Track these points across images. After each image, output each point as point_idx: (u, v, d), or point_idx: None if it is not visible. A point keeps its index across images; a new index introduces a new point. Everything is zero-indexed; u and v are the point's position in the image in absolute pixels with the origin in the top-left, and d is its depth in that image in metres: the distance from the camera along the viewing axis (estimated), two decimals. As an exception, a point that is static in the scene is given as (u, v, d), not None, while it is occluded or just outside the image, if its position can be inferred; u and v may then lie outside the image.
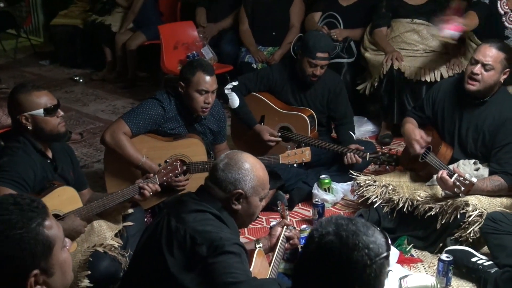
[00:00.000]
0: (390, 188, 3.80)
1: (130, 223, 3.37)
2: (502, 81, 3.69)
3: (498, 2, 4.81)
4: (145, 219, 3.65)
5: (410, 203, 3.67)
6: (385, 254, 1.71)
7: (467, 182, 3.38)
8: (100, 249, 3.07)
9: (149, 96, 3.99)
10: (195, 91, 3.77)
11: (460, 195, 3.43)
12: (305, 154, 4.04)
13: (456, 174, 3.41)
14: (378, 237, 1.73)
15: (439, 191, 3.63)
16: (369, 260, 1.67)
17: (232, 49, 6.14)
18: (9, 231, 1.57)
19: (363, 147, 4.33)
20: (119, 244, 3.21)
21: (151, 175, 3.41)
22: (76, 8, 7.95)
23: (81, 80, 7.33)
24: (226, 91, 4.46)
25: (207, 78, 3.77)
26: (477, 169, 3.64)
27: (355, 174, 4.07)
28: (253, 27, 6.01)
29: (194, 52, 5.98)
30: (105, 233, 3.18)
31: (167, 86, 4.25)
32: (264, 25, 5.95)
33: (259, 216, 3.98)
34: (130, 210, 3.42)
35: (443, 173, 3.46)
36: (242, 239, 2.86)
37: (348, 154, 4.24)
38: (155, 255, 2.35)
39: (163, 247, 2.33)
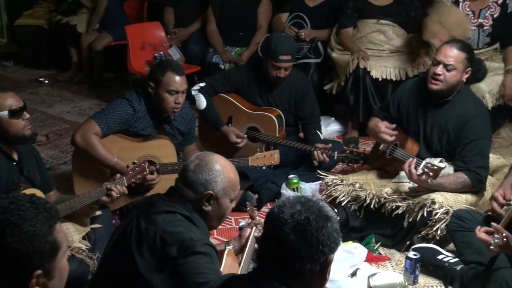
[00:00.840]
0: (357, 186, 3.84)
1: (97, 225, 3.34)
2: (464, 80, 3.74)
3: (460, 4, 4.90)
4: (113, 221, 3.63)
5: (377, 199, 3.72)
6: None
7: (435, 167, 3.44)
8: (67, 252, 3.03)
9: (116, 97, 3.96)
10: (166, 92, 3.75)
11: (429, 181, 3.47)
12: (274, 157, 4.06)
13: (424, 162, 3.47)
14: (326, 204, 1.93)
15: (406, 188, 3.69)
16: (335, 224, 1.87)
17: (199, 49, 6.13)
18: (23, 227, 1.60)
19: (330, 145, 4.37)
20: (87, 247, 3.19)
21: (118, 176, 3.38)
22: (41, 9, 7.86)
23: (46, 81, 7.24)
24: (193, 93, 4.44)
25: (177, 78, 3.76)
26: (443, 168, 3.69)
27: (323, 173, 4.10)
28: (220, 28, 6.00)
29: (161, 52, 5.96)
30: (72, 236, 3.16)
31: (135, 86, 4.23)
32: (232, 26, 5.95)
33: (228, 216, 3.98)
34: (98, 212, 3.40)
35: (411, 164, 3.51)
36: (212, 240, 2.86)
37: (315, 152, 4.27)
38: (125, 256, 2.34)
39: (133, 248, 2.32)
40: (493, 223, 3.00)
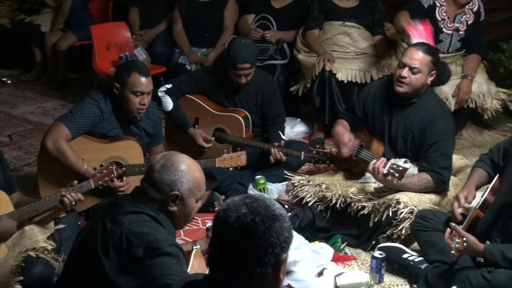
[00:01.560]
0: (323, 187, 3.87)
1: (61, 226, 3.30)
2: (429, 83, 3.80)
3: (437, 9, 4.99)
4: (79, 223, 3.59)
5: (343, 199, 3.75)
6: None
7: (401, 168, 3.48)
8: (33, 254, 3.01)
9: (81, 98, 3.93)
10: (131, 93, 3.73)
11: (395, 181, 3.51)
12: (240, 158, 4.07)
13: (390, 162, 3.52)
14: (275, 201, 1.84)
15: (372, 188, 3.73)
16: (286, 222, 1.78)
17: (165, 50, 6.09)
18: None
19: (282, 142, 4.38)
20: (52, 247, 3.15)
21: (75, 182, 3.34)
22: (3, 7, 7.71)
23: (9, 81, 7.13)
24: (159, 94, 4.42)
25: (143, 79, 3.74)
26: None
27: (289, 174, 4.12)
28: (187, 28, 5.98)
29: (127, 53, 5.92)
30: (37, 236, 3.13)
31: (100, 87, 4.19)
32: (198, 27, 5.93)
33: (195, 217, 3.97)
34: (62, 214, 3.36)
35: (379, 163, 3.54)
36: (178, 241, 2.86)
37: (272, 150, 4.28)
38: (91, 258, 2.32)
39: (98, 250, 2.30)
40: (455, 225, 3.04)
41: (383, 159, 3.59)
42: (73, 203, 3.26)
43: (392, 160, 3.65)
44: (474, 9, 5.08)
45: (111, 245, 2.29)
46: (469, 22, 5.04)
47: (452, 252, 2.99)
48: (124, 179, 3.71)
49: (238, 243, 1.74)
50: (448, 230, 3.09)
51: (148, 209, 2.40)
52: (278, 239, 1.74)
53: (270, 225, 1.74)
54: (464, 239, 2.94)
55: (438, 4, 5.01)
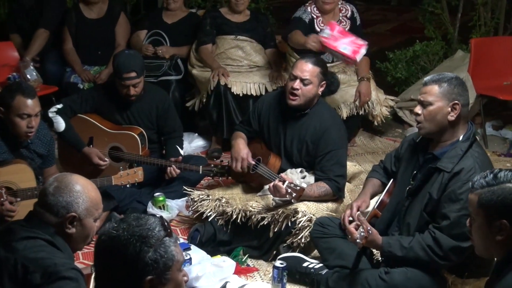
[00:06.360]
0: (223, 201, 3.89)
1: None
2: (320, 93, 3.91)
3: (315, 21, 5.14)
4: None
5: (243, 213, 3.78)
6: (163, 234, 1.86)
7: (298, 188, 3.55)
8: None
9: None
10: (17, 116, 3.61)
11: (292, 201, 3.58)
12: (137, 174, 4.02)
13: (287, 182, 3.57)
14: (152, 224, 1.87)
15: (270, 200, 3.78)
16: (151, 247, 1.82)
17: (56, 69, 5.92)
18: None
19: (180, 157, 4.38)
20: None
21: None
22: None
23: None
24: (50, 115, 4.32)
25: (28, 101, 3.62)
26: (303, 177, 3.82)
27: (188, 189, 4.11)
28: (77, 46, 5.86)
29: (15, 74, 5.71)
30: None
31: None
32: (89, 44, 5.83)
33: (93, 239, 3.89)
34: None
35: (277, 181, 3.60)
36: (78, 264, 2.79)
37: (168, 169, 4.28)
38: (-16, 289, 2.23)
39: (-8, 280, 2.22)
40: (360, 214, 3.17)
41: (281, 177, 3.64)
42: None
43: (289, 173, 3.72)
44: (348, 15, 5.25)
45: (6, 274, 2.23)
46: (346, 29, 5.19)
47: (358, 241, 3.07)
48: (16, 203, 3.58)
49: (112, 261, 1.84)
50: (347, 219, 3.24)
51: (43, 233, 2.33)
52: (138, 262, 1.82)
53: (141, 247, 1.81)
54: (369, 228, 3.05)
55: (314, 16, 5.16)
